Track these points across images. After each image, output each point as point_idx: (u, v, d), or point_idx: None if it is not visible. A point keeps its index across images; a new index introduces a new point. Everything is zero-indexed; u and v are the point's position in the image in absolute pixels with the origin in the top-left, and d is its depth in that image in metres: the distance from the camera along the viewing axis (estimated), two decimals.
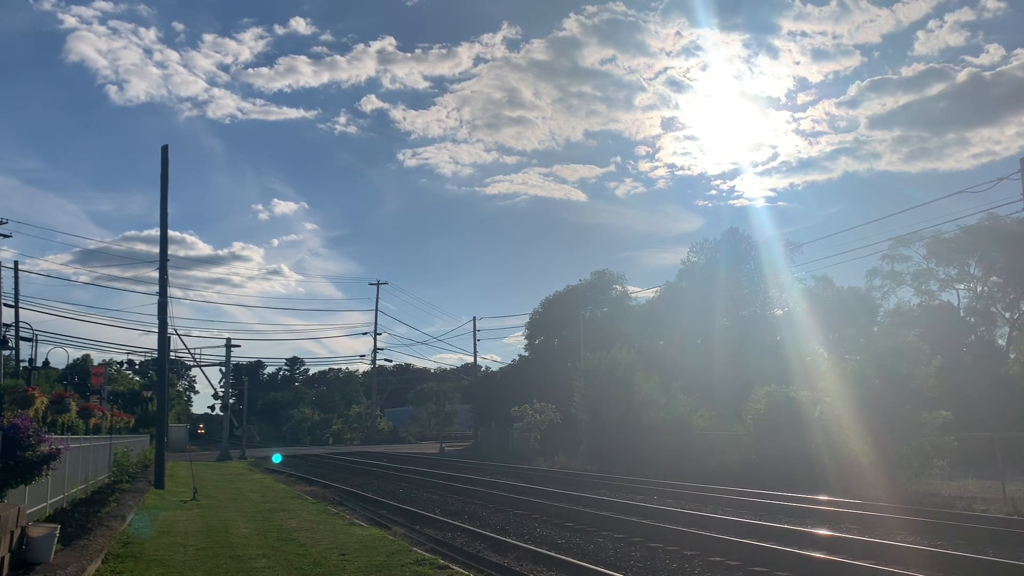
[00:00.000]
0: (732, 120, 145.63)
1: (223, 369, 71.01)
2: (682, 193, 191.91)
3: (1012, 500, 19.48)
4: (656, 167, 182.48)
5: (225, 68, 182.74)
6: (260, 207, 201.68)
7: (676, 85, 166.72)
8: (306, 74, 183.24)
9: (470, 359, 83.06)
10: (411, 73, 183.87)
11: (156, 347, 36.55)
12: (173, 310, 33.78)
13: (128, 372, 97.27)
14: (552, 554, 13.62)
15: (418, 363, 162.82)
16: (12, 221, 74.30)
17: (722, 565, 12.78)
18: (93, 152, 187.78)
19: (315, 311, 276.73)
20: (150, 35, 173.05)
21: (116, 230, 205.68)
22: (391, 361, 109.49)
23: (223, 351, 68.27)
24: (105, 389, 53.71)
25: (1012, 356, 47.37)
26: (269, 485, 30.86)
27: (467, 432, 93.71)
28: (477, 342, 78.55)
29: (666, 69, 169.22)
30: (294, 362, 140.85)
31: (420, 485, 30.43)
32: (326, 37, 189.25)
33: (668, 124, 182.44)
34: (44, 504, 15.14)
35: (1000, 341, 50.67)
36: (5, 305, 48.59)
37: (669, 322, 54.76)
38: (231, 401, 71.49)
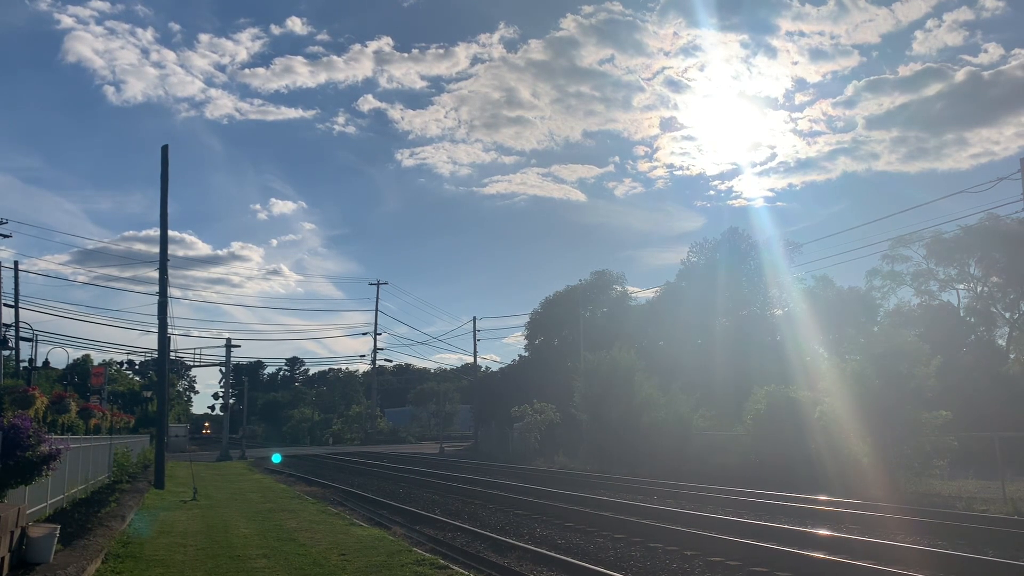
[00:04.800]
0: (730, 120, 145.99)
1: (223, 369, 71.00)
2: (681, 193, 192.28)
3: (1012, 500, 19.47)
4: (655, 167, 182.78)
5: (222, 68, 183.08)
6: (259, 207, 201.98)
7: (674, 85, 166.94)
8: (303, 74, 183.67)
9: (470, 359, 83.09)
10: (408, 73, 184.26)
11: (156, 347, 36.55)
12: (173, 310, 33.78)
13: (128, 372, 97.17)
14: (552, 554, 13.62)
15: (418, 363, 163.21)
16: (11, 221, 74.21)
17: (722, 565, 12.77)
18: (92, 151, 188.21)
19: (315, 311, 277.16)
20: (147, 35, 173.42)
21: (115, 230, 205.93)
22: (391, 361, 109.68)
23: (223, 351, 68.29)
24: (105, 389, 53.79)
25: (1012, 356, 47.39)
26: (269, 485, 30.86)
27: (467, 432, 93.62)
28: (477, 342, 78.61)
29: (664, 69, 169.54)
30: (294, 362, 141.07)
31: (420, 485, 30.42)
32: (322, 37, 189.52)
33: (667, 124, 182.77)
34: (44, 504, 15.14)
35: (1000, 341, 50.71)
36: (5, 305, 48.66)
37: (669, 322, 54.71)
38: (231, 401, 71.48)
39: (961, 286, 52.65)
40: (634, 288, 79.92)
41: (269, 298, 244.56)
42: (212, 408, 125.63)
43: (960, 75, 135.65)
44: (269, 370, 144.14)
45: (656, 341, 56.78)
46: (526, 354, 71.11)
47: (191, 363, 75.00)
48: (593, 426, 39.83)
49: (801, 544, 14.09)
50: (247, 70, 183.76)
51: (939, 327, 46.83)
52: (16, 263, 55.74)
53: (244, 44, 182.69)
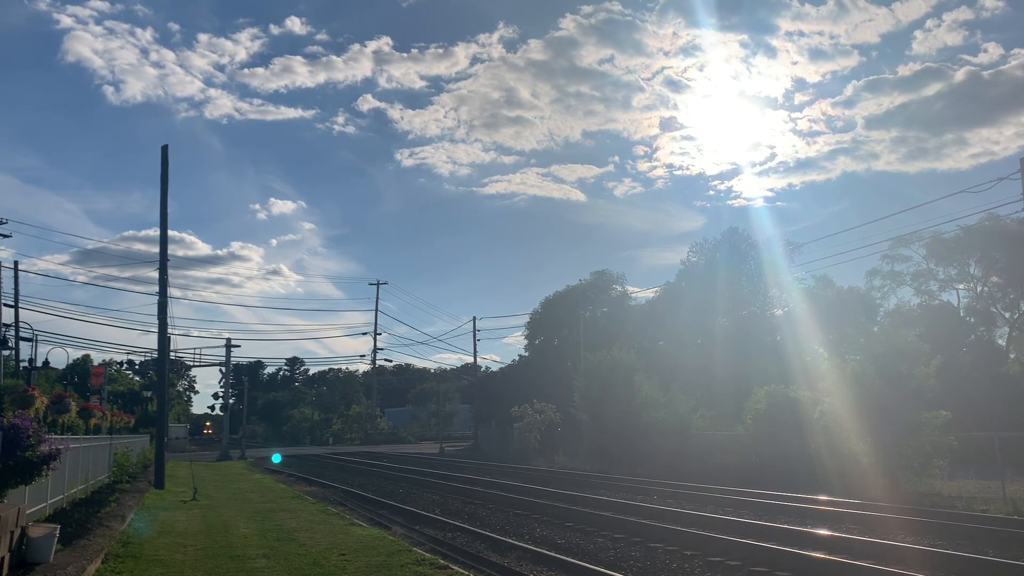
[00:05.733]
0: (730, 120, 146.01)
1: (223, 369, 70.98)
2: (681, 193, 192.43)
3: (1012, 500, 19.47)
4: (655, 167, 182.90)
5: (221, 68, 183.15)
6: (258, 207, 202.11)
7: (674, 85, 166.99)
8: (302, 74, 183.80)
9: (470, 359, 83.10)
10: (408, 73, 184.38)
11: (156, 347, 36.55)
12: (173, 310, 33.80)
13: (128, 372, 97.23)
14: (552, 554, 13.62)
15: (418, 363, 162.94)
16: (11, 221, 74.21)
17: (722, 565, 12.77)
18: (91, 151, 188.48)
19: (315, 311, 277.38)
20: (146, 35, 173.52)
21: (115, 229, 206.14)
22: (391, 361, 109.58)
23: (223, 351, 68.27)
24: (105, 389, 53.80)
25: (1012, 356, 47.42)
26: (269, 485, 30.86)
27: (467, 432, 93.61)
28: (477, 342, 78.61)
29: (664, 69, 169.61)
30: (294, 362, 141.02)
31: (420, 485, 30.41)
32: (322, 37, 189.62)
33: (666, 124, 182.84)
34: (44, 504, 15.14)
35: (1000, 341, 50.72)
36: (5, 305, 48.64)
37: (669, 322, 54.69)
38: (231, 401, 71.46)
39: (961, 286, 52.72)
40: (634, 288, 79.92)
41: (269, 298, 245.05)
42: (212, 408, 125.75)
43: (960, 75, 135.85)
44: (269, 370, 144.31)
45: (656, 341, 56.77)
46: (526, 354, 71.17)
47: (191, 363, 75.09)
48: (593, 426, 39.82)
49: (801, 544, 14.09)
50: (246, 70, 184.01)
51: (939, 327, 46.83)
52: (16, 263, 55.72)
53: (243, 44, 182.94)
